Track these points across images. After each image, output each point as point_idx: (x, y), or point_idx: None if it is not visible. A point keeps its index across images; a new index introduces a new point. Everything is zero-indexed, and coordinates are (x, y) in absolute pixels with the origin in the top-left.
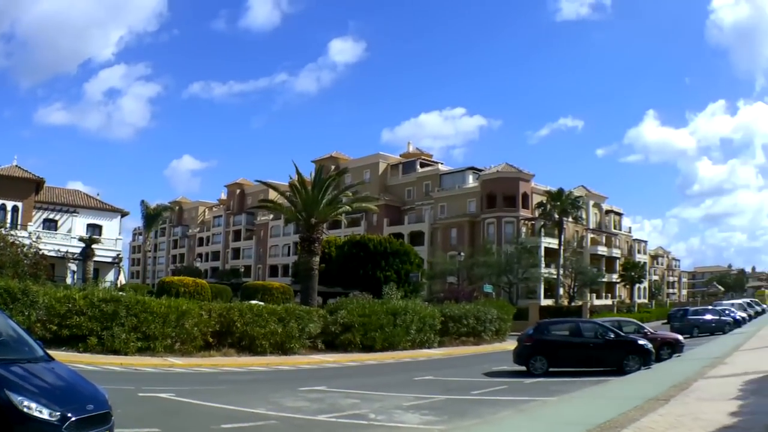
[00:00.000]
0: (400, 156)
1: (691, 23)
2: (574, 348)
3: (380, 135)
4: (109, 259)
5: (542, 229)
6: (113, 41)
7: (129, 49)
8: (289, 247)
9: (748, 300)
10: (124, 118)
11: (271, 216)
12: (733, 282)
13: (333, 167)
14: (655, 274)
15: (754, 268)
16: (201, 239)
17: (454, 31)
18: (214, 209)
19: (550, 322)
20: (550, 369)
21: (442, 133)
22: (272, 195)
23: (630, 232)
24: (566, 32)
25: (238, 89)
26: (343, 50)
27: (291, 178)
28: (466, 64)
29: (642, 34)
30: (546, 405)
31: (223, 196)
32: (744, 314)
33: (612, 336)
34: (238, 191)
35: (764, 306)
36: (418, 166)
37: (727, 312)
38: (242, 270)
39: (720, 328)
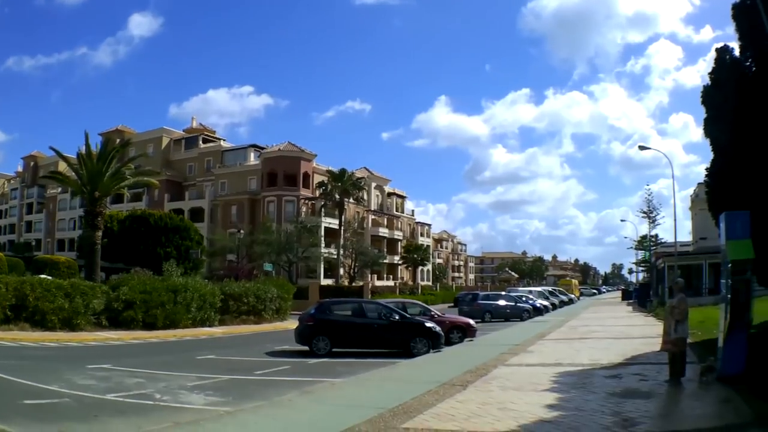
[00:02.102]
0: (184, 131)
1: (504, 11)
2: (358, 329)
3: (168, 110)
4: None
5: (323, 209)
6: None
7: None
8: (75, 221)
9: (550, 288)
10: None
11: (60, 189)
12: (530, 269)
13: (118, 141)
14: (439, 258)
15: (555, 257)
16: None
17: (251, 10)
18: (12, 182)
19: (333, 302)
20: (334, 349)
21: (229, 110)
22: (62, 167)
23: (413, 215)
24: (364, 17)
25: (43, 62)
26: (141, 24)
27: (80, 150)
28: (259, 43)
29: (446, 22)
30: (334, 387)
31: (20, 169)
32: (546, 302)
33: (397, 317)
34: (32, 163)
35: (571, 296)
36: (201, 142)
37: (524, 299)
38: (34, 243)
39: (517, 314)
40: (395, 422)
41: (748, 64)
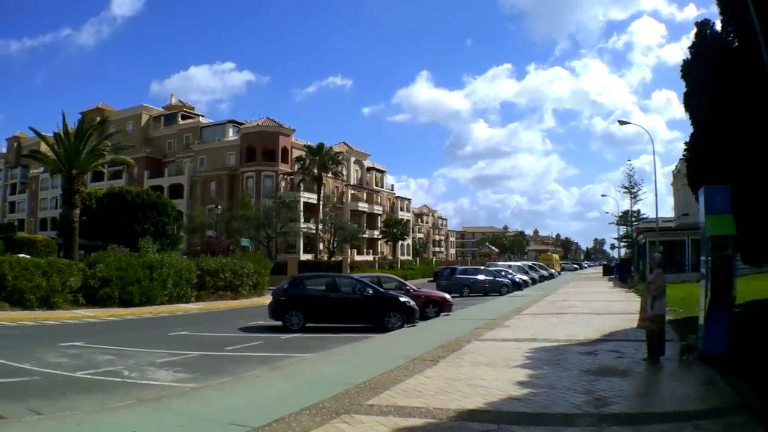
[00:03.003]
0: (163, 108)
1: None
2: (332, 303)
3: (149, 88)
4: None
5: (301, 184)
6: None
7: None
8: (56, 200)
9: (530, 263)
10: None
11: (42, 168)
12: (511, 244)
13: (98, 119)
14: (420, 232)
15: (536, 232)
16: None
17: None
18: None
19: (306, 276)
20: (307, 324)
21: (210, 87)
22: (43, 148)
23: (393, 189)
24: None
25: (29, 45)
26: (123, 4)
27: (59, 128)
28: (240, 20)
29: None
30: (303, 362)
31: (4, 150)
32: (525, 277)
33: (371, 292)
34: (15, 144)
35: (552, 270)
36: (180, 119)
37: (503, 273)
38: (17, 224)
39: (495, 289)
40: (360, 399)
41: (730, 39)
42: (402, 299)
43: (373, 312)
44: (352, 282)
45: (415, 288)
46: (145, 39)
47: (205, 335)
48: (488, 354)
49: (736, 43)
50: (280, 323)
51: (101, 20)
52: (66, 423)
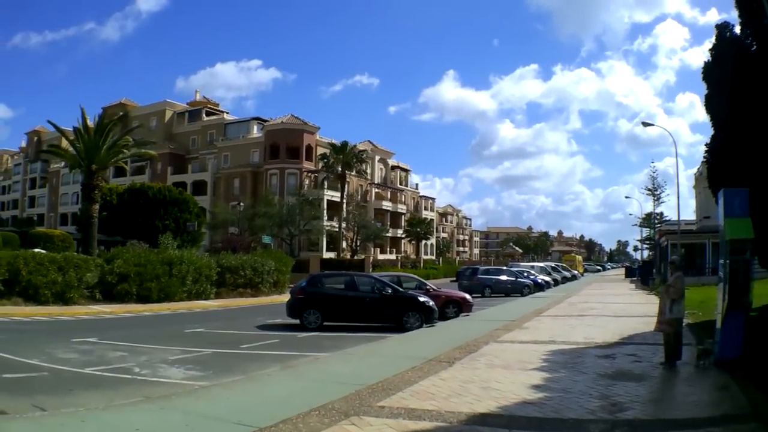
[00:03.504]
0: (187, 104)
1: None
2: (350, 302)
3: (174, 84)
4: None
5: (325, 182)
6: None
7: None
8: (77, 195)
9: (552, 264)
10: None
11: (63, 163)
12: (535, 244)
13: (121, 114)
14: (444, 232)
15: (561, 233)
16: (3, 188)
17: None
18: (15, 157)
19: (324, 275)
20: (325, 323)
21: (236, 83)
22: (64, 143)
23: (417, 188)
24: None
25: (50, 38)
26: None
27: (78, 123)
28: (267, 17)
29: None
30: (316, 362)
31: (24, 144)
32: (548, 278)
33: (390, 291)
34: (35, 139)
35: (574, 272)
36: (204, 115)
37: (525, 274)
38: (36, 218)
39: (517, 290)
40: (371, 400)
41: (748, 41)
42: (421, 299)
43: (392, 311)
44: (371, 281)
45: (435, 288)
46: (170, 34)
47: (221, 332)
48: (505, 356)
49: (755, 46)
50: (297, 321)
51: (126, 15)
52: (69, 420)
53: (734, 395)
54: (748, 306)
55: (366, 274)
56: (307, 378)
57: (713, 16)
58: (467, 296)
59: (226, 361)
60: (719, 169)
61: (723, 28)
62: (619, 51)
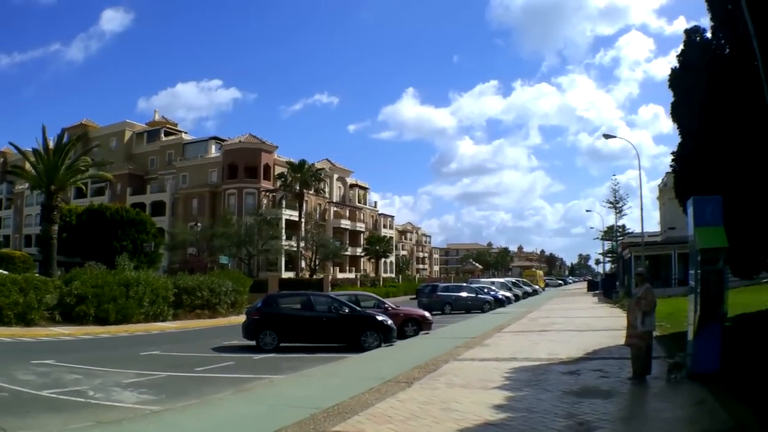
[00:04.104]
0: (146, 125)
1: (473, 2)
2: (306, 322)
3: (136, 104)
4: None
5: (283, 201)
6: None
7: None
8: (39, 216)
9: (513, 279)
10: None
11: (27, 184)
12: (495, 260)
13: (80, 135)
14: (403, 249)
15: (521, 248)
16: None
17: (222, 4)
18: None
19: (280, 295)
20: (281, 344)
21: (197, 104)
22: (27, 164)
23: (376, 206)
24: (333, 10)
25: (18, 59)
26: (113, 19)
27: (38, 144)
28: (228, 37)
29: (414, 13)
30: (271, 385)
31: None
32: (509, 294)
33: (347, 310)
34: (2, 160)
35: (535, 287)
36: (163, 135)
37: (486, 290)
38: (2, 240)
39: (478, 306)
40: (326, 425)
41: (722, 44)
42: (379, 318)
43: (349, 331)
44: (328, 300)
45: (393, 306)
46: (133, 55)
47: (176, 355)
48: (465, 375)
49: (728, 50)
50: (253, 343)
51: (90, 35)
52: None
53: (713, 410)
54: (723, 317)
55: (322, 294)
56: (261, 402)
57: (681, 25)
58: (426, 314)
59: (180, 384)
60: (687, 177)
61: (693, 33)
62: (580, 65)
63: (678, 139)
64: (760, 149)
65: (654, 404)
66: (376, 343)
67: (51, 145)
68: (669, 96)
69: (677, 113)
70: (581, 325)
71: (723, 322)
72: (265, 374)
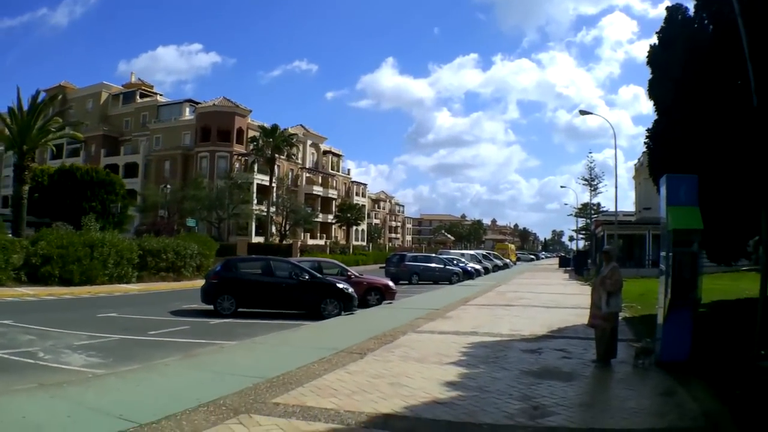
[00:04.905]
0: (123, 87)
1: None
2: (265, 288)
3: (117, 67)
4: None
5: (255, 165)
6: None
7: None
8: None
9: (484, 252)
10: None
11: (3, 147)
12: (468, 232)
13: (60, 97)
14: (376, 218)
15: (495, 221)
16: None
17: None
18: None
19: (240, 259)
20: (239, 309)
21: (176, 67)
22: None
23: (349, 173)
24: None
25: (7, 24)
26: None
27: (13, 104)
28: (211, 1)
29: None
30: (220, 351)
31: None
32: (478, 266)
33: (307, 277)
34: None
35: (507, 260)
36: (138, 97)
37: (455, 262)
38: None
39: (446, 277)
40: (267, 396)
41: (705, 23)
42: (339, 285)
43: (309, 298)
44: (289, 266)
45: (356, 274)
46: (114, 18)
47: (133, 317)
48: (422, 348)
49: (711, 29)
50: (212, 307)
51: (75, 1)
52: None
53: (682, 403)
54: (695, 303)
55: (283, 259)
56: (206, 369)
57: (665, 8)
58: (390, 283)
59: (130, 348)
60: (662, 155)
61: (674, 11)
62: (562, 42)
63: (655, 117)
64: (742, 128)
65: (617, 391)
66: (336, 311)
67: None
68: (648, 70)
69: (654, 90)
70: (549, 302)
71: (696, 308)
72: (219, 340)
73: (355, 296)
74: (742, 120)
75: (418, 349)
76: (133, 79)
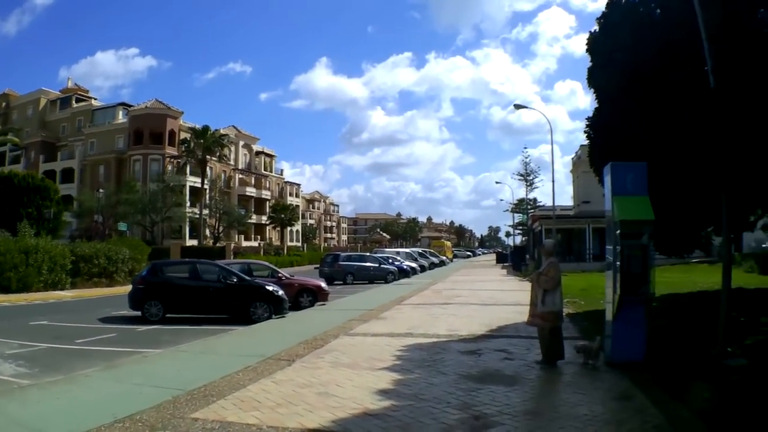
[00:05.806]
0: (60, 92)
1: None
2: (193, 292)
3: (58, 74)
4: None
5: (187, 167)
6: None
7: None
8: None
9: (420, 249)
10: None
11: None
12: (403, 231)
13: (4, 104)
14: (311, 218)
15: (430, 219)
16: None
17: None
18: None
19: (166, 263)
20: (168, 315)
21: (114, 72)
22: None
23: (282, 174)
24: None
25: None
26: None
27: None
28: (146, 5)
29: None
30: (143, 360)
31: None
32: (414, 264)
33: (235, 280)
34: None
35: (443, 258)
36: (74, 102)
37: (390, 260)
38: None
39: (381, 276)
40: (186, 410)
41: (652, 6)
42: (269, 288)
43: (238, 302)
44: (215, 269)
45: (288, 276)
46: (58, 26)
47: (63, 325)
48: (354, 352)
49: (659, 12)
50: (139, 313)
51: (24, 10)
52: None
53: (642, 408)
54: (648, 298)
55: (211, 262)
56: (126, 380)
57: (604, 2)
58: (323, 284)
59: (57, 357)
60: (604, 145)
61: None
62: (497, 39)
63: (595, 105)
64: (695, 112)
65: (566, 396)
66: (266, 314)
67: None
68: (587, 59)
69: (595, 78)
70: (487, 299)
71: (649, 304)
72: (144, 348)
73: (286, 299)
74: (695, 104)
75: (350, 354)
76: (70, 84)
